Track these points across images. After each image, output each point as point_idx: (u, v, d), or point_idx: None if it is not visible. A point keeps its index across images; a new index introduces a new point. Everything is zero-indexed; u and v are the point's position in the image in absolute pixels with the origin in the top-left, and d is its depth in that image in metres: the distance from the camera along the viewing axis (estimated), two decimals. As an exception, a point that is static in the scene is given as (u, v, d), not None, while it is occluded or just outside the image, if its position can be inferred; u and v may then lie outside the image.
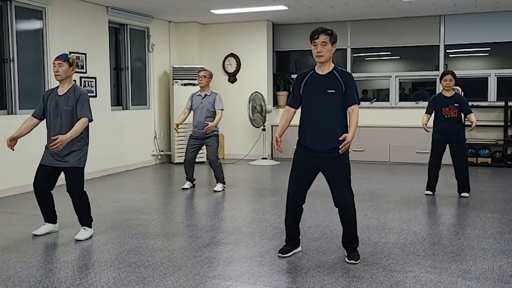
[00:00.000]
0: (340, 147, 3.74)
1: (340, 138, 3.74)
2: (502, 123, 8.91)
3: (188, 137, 6.87)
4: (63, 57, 4.43)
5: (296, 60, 10.99)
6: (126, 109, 8.94)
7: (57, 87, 4.52)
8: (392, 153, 9.39)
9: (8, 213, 5.59)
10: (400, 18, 9.53)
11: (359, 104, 3.87)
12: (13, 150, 4.51)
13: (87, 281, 3.51)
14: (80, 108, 4.38)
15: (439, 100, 6.23)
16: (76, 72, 7.36)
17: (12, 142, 4.47)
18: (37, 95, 6.77)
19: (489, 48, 9.47)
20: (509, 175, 7.96)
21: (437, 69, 9.44)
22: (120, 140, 8.55)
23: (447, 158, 6.34)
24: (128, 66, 8.92)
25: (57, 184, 4.60)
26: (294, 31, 10.18)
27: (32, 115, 4.56)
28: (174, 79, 9.45)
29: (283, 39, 10.38)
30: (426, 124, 6.28)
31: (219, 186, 6.79)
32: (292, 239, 4.09)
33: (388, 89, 9.92)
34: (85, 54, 7.77)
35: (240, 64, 10.12)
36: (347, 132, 3.79)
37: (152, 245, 4.33)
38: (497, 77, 9.22)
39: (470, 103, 6.49)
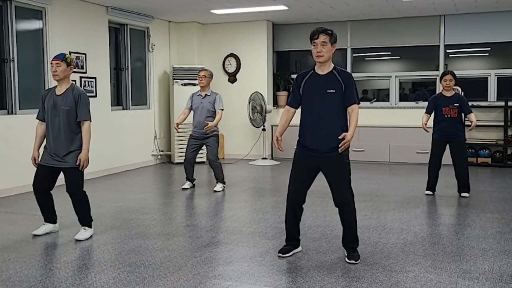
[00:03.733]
0: (339, 145, 3.74)
1: (339, 137, 3.74)
2: (502, 123, 8.90)
3: (188, 137, 6.87)
4: (61, 57, 4.42)
5: (296, 60, 10.99)
6: (126, 109, 8.94)
7: (55, 86, 4.51)
8: (392, 153, 9.39)
9: (8, 213, 5.59)
10: (400, 18, 9.53)
11: (359, 103, 3.87)
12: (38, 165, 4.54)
13: (87, 281, 3.51)
14: (81, 110, 4.38)
15: (439, 100, 6.23)
16: (76, 72, 7.41)
17: (37, 160, 4.52)
18: (37, 95, 6.77)
19: (489, 48, 9.47)
20: (509, 175, 7.95)
21: (437, 69, 9.44)
22: (120, 140, 8.55)
23: (447, 158, 6.34)
24: (128, 66, 8.92)
25: (57, 184, 4.60)
26: (294, 31, 10.18)
27: (38, 120, 4.55)
28: (174, 79, 9.45)
29: (283, 39, 10.38)
30: (426, 124, 6.28)
31: (219, 186, 6.79)
32: (292, 239, 4.09)
33: (388, 89, 9.92)
34: (85, 54, 7.77)
35: (240, 64, 10.12)
36: (347, 132, 3.79)
37: (152, 245, 4.33)
38: (497, 77, 9.22)
39: (470, 103, 6.48)
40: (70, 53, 7.32)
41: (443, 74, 6.21)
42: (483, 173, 8.21)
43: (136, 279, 3.53)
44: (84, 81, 7.79)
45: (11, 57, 6.71)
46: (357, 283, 3.44)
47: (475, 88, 9.46)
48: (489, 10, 8.86)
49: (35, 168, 4.52)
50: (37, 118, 4.57)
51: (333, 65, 3.88)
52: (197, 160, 7.03)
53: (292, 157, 4.04)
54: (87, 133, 4.39)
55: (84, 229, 4.57)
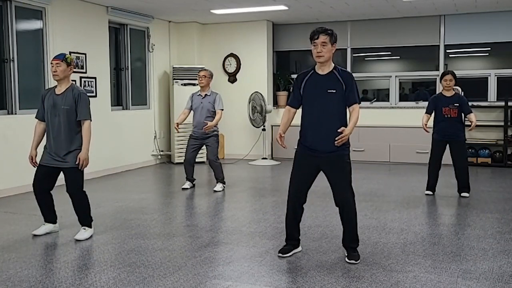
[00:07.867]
0: (336, 138, 3.73)
1: (338, 130, 3.74)
2: (502, 123, 8.90)
3: (188, 137, 6.87)
4: (61, 57, 4.42)
5: (296, 60, 10.99)
6: (126, 109, 8.94)
7: (55, 86, 4.52)
8: (392, 153, 9.39)
9: (8, 213, 5.59)
10: (400, 18, 9.53)
11: (360, 103, 3.87)
12: (36, 164, 4.52)
13: (87, 281, 3.51)
14: (81, 110, 4.38)
15: (439, 100, 6.23)
16: (76, 72, 7.41)
17: (35, 158, 4.52)
18: (37, 95, 6.73)
19: (489, 48, 9.47)
20: (509, 175, 7.95)
21: (437, 69, 9.44)
22: (120, 140, 8.55)
23: (447, 158, 6.34)
24: (128, 66, 8.92)
25: (57, 184, 4.60)
26: (294, 31, 10.18)
27: (38, 119, 4.56)
28: (174, 79, 9.45)
29: (283, 39, 10.38)
30: (426, 124, 6.28)
31: (219, 186, 6.79)
32: (292, 239, 4.09)
33: (388, 89, 9.92)
34: (85, 54, 7.77)
35: (240, 64, 10.12)
36: None
37: (152, 245, 4.33)
38: (497, 77, 9.22)
39: (470, 103, 6.49)
40: (70, 53, 7.32)
41: (443, 74, 6.22)
42: (483, 173, 8.21)
43: (136, 279, 3.53)
44: (84, 81, 7.79)
45: (11, 57, 6.71)
46: (357, 283, 3.44)
47: (475, 88, 9.45)
48: (489, 10, 8.86)
49: (35, 168, 4.52)
50: (36, 117, 4.57)
51: (333, 64, 3.88)
52: (197, 160, 7.03)
53: (292, 157, 4.04)
54: (87, 132, 4.40)
55: (84, 229, 4.57)
